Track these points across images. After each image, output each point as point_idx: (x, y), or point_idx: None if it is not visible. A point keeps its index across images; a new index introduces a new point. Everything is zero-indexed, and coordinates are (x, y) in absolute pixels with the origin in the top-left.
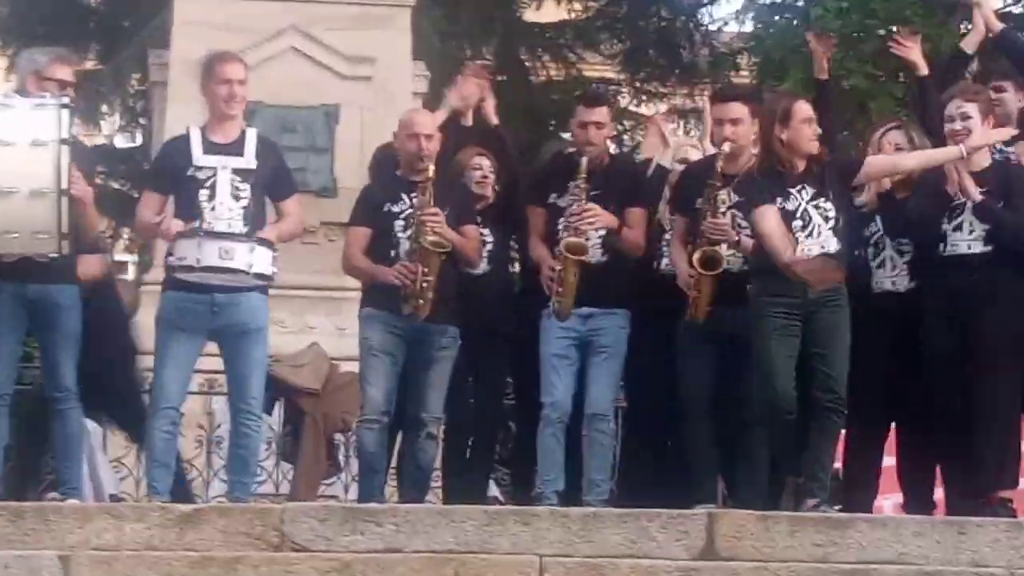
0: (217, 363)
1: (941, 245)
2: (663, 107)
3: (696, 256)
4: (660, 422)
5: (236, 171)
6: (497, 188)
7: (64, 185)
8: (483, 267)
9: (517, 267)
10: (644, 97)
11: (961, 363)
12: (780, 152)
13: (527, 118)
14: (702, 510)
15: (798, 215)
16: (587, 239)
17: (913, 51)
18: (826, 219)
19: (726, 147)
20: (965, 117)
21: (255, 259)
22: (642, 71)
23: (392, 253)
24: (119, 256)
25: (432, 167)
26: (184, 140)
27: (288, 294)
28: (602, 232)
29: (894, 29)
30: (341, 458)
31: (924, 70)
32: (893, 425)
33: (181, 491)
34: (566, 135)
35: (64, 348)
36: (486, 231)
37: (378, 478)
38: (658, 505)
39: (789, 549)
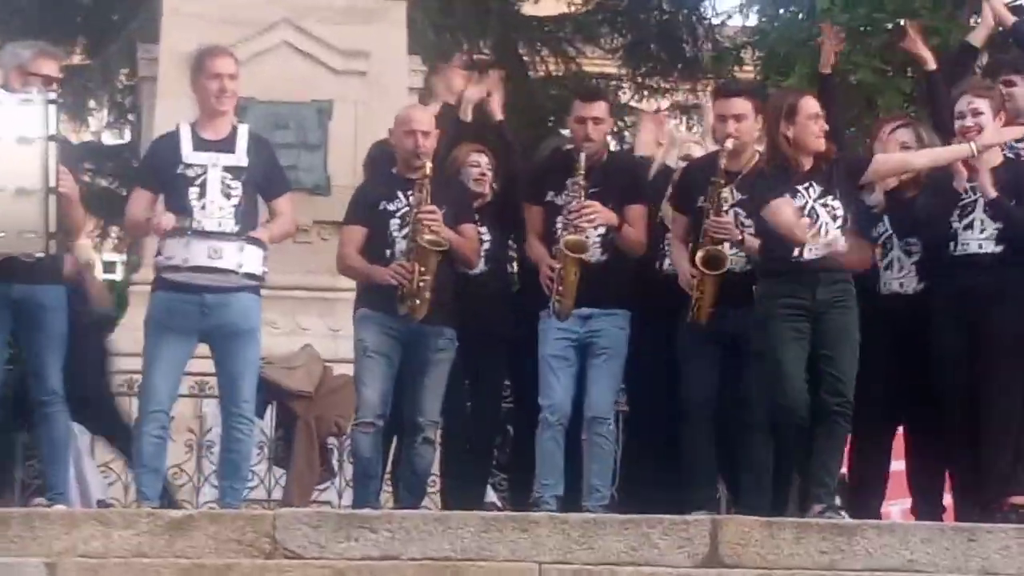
0: (208, 365)
1: (952, 244)
2: (665, 103)
3: (699, 256)
4: (662, 425)
5: (227, 168)
6: (495, 186)
7: (52, 183)
8: (480, 267)
9: (515, 267)
10: (646, 92)
11: (970, 364)
12: (786, 150)
13: (525, 114)
14: (704, 516)
15: (806, 213)
16: (587, 237)
17: (920, 45)
18: (834, 217)
19: (729, 144)
20: (976, 113)
21: (244, 258)
22: (643, 66)
23: (388, 253)
24: (107, 256)
25: (430, 164)
26: (173, 137)
27: (280, 295)
28: (601, 230)
29: (902, 23)
30: (335, 463)
31: (932, 65)
32: (901, 429)
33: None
34: (566, 131)
35: (50, 350)
36: (483, 230)
37: (373, 483)
38: (660, 511)
39: (794, 556)
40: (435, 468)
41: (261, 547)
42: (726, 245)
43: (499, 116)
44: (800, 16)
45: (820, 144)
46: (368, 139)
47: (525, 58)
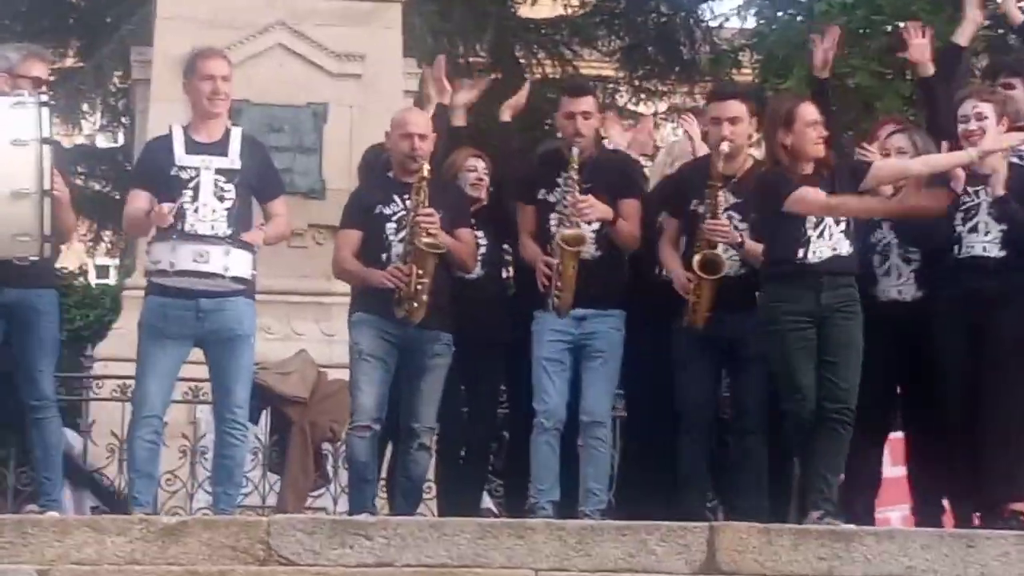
0: (202, 371)
1: (956, 247)
2: (662, 106)
3: (696, 260)
4: (660, 430)
5: (220, 171)
6: (491, 189)
7: (47, 186)
8: (477, 271)
9: (511, 271)
10: (643, 95)
11: (973, 369)
12: (783, 159)
13: (522, 117)
14: (702, 523)
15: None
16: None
17: (920, 50)
18: (837, 222)
19: (724, 147)
20: (980, 117)
21: (231, 262)
22: (641, 69)
23: (384, 257)
24: (100, 260)
25: (427, 166)
26: (166, 139)
27: (275, 299)
28: (596, 225)
29: (901, 25)
30: (330, 469)
31: (930, 70)
32: (901, 434)
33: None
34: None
35: (43, 354)
36: (480, 234)
37: (369, 488)
38: (658, 517)
39: (792, 563)
40: (430, 474)
41: (255, 554)
42: (722, 248)
43: (462, 121)
44: (798, 19)
45: (819, 151)
46: (363, 142)
47: (522, 61)
